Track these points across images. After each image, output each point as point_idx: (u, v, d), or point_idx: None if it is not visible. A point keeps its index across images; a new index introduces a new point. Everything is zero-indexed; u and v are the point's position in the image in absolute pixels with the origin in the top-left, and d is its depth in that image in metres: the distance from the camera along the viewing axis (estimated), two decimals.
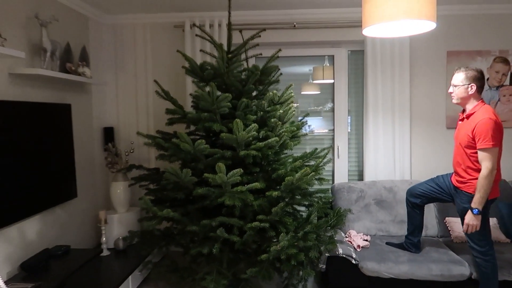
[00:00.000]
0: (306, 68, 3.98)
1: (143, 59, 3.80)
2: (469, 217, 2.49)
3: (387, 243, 3.10)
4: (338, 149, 3.94)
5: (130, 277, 2.92)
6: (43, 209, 2.76)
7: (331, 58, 3.92)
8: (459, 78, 2.55)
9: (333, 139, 3.96)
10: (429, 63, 3.73)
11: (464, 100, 2.57)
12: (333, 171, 3.99)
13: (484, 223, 2.55)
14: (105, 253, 3.24)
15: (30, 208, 2.62)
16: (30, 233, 2.73)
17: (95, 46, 3.67)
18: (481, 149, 2.44)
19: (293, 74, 3.98)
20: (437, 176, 2.88)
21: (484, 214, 2.52)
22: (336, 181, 3.94)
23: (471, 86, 2.51)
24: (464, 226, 2.53)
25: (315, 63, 3.97)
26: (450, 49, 3.71)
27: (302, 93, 4.00)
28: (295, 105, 3.96)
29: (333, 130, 3.94)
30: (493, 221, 3.23)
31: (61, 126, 2.97)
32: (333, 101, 3.93)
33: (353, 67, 3.92)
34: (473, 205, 2.47)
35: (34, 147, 2.65)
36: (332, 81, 3.92)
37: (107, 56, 3.81)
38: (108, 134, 3.75)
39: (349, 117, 3.94)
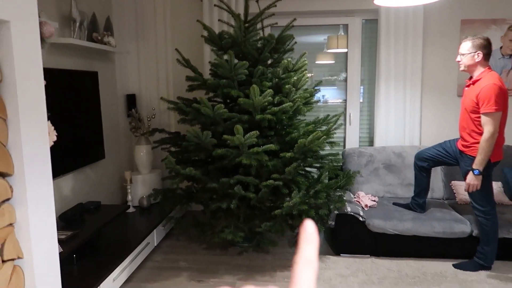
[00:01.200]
0: (321, 38, 4.07)
1: (163, 29, 3.95)
2: (470, 177, 2.66)
3: (394, 204, 3.29)
4: (350, 116, 4.09)
5: (154, 230, 3.21)
6: (75, 168, 3.03)
7: (346, 27, 4.00)
8: (466, 46, 2.65)
9: (345, 107, 4.09)
10: (443, 32, 3.78)
11: (471, 67, 2.67)
12: (344, 138, 4.15)
13: (487, 184, 2.71)
14: (131, 210, 3.53)
15: (64, 166, 2.88)
16: (66, 189, 3.02)
17: (118, 17, 3.84)
18: (484, 113, 2.56)
19: (308, 43, 4.08)
20: (444, 141, 3.03)
21: (486, 175, 2.67)
22: (347, 147, 4.11)
23: (478, 53, 2.61)
24: (465, 185, 2.70)
25: (330, 33, 4.06)
26: (464, 18, 3.74)
27: (316, 62, 4.11)
28: (309, 74, 4.09)
29: (345, 100, 4.07)
30: (497, 184, 3.37)
31: (89, 92, 3.20)
32: (346, 70, 4.04)
33: (367, 37, 4.00)
34: (474, 166, 2.62)
35: (66, 111, 2.89)
36: (346, 50, 4.02)
37: (129, 26, 3.97)
38: (131, 100, 3.97)
39: (361, 86, 4.06)
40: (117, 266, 2.56)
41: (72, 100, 2.95)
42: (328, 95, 4.15)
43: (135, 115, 3.72)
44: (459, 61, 2.71)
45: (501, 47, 3.74)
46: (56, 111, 2.77)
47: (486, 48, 2.61)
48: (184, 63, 3.09)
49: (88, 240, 2.68)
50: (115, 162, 3.82)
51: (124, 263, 2.66)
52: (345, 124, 4.12)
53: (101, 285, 2.36)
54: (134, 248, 2.81)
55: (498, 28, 3.71)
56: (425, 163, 3.08)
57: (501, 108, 2.55)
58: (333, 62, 4.08)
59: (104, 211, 3.12)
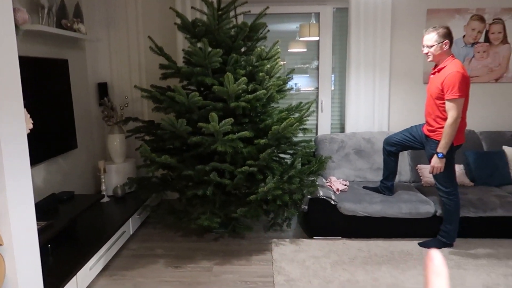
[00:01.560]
0: (293, 26, 4.12)
1: (134, 16, 3.89)
2: (434, 160, 2.80)
3: (364, 187, 3.42)
4: (322, 103, 4.18)
5: (130, 219, 3.21)
6: (47, 158, 2.98)
7: (317, 15, 4.07)
8: (432, 38, 2.74)
9: (317, 95, 4.18)
10: (410, 21, 3.91)
11: (439, 57, 2.78)
12: (317, 124, 4.25)
13: (450, 166, 2.87)
14: (105, 199, 3.52)
15: (36, 156, 2.83)
16: (38, 179, 2.97)
17: (88, 3, 3.74)
18: (448, 100, 2.70)
19: (281, 31, 4.12)
20: (411, 127, 3.16)
21: (449, 158, 2.83)
22: (319, 133, 4.22)
23: (445, 42, 2.73)
24: (430, 168, 2.85)
25: (302, 21, 4.11)
26: (430, 7, 3.88)
27: (289, 50, 4.16)
28: (282, 62, 4.14)
29: (318, 87, 4.15)
30: (460, 167, 3.57)
31: (59, 80, 3.13)
32: (318, 59, 4.12)
33: (339, 25, 4.07)
34: (438, 149, 2.77)
35: (37, 100, 2.83)
36: (317, 38, 4.09)
37: (100, 13, 3.88)
38: (103, 89, 3.91)
39: (333, 74, 4.15)
40: (93, 255, 2.56)
41: (42, 88, 2.89)
42: (301, 83, 4.22)
43: (107, 103, 3.68)
44: (426, 53, 2.80)
45: (464, 36, 3.91)
46: (26, 100, 2.70)
47: (450, 36, 2.73)
48: (157, 51, 3.08)
49: (62, 230, 2.66)
50: (88, 151, 3.77)
51: (100, 252, 2.67)
52: (317, 111, 4.21)
53: (77, 274, 2.36)
54: (110, 237, 2.82)
55: (461, 18, 3.88)
56: (393, 148, 3.21)
57: (464, 95, 2.69)
58: (306, 50, 4.14)
59: (78, 201, 3.09)
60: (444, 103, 2.75)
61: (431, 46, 2.75)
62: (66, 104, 3.23)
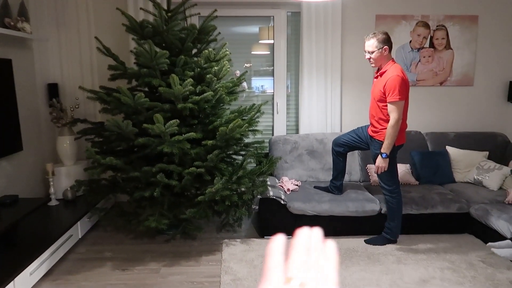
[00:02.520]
0: (256, 28, 4.16)
1: (85, 15, 3.82)
2: (379, 160, 2.91)
3: (315, 187, 3.51)
4: (277, 105, 4.25)
5: (78, 222, 3.15)
6: None
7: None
8: (373, 44, 2.84)
9: (273, 96, 4.25)
10: (360, 25, 4.05)
11: (380, 61, 2.90)
12: (273, 126, 4.31)
13: (392, 165, 2.99)
14: (54, 203, 3.43)
15: None
16: None
17: (35, 2, 3.64)
18: (390, 102, 2.81)
19: (244, 33, 4.14)
20: (357, 128, 3.28)
21: (392, 158, 2.95)
22: (274, 135, 4.28)
23: (385, 48, 2.85)
24: (375, 168, 2.96)
25: (263, 24, 4.15)
26: (378, 13, 4.03)
27: (252, 53, 4.19)
28: (248, 64, 4.17)
29: (273, 87, 4.22)
30: (406, 167, 3.72)
31: (2, 80, 3.03)
32: (273, 60, 4.18)
33: (293, 28, 4.16)
34: (382, 150, 2.88)
35: None
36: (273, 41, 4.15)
37: (48, 12, 3.79)
38: (53, 90, 3.81)
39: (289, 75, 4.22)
40: (33, 260, 2.49)
41: None
42: (267, 85, 4.25)
43: (57, 105, 3.59)
44: (369, 58, 2.90)
45: (410, 41, 4.08)
46: None
47: (389, 41, 2.85)
48: (104, 52, 3.04)
49: (1, 234, 2.58)
50: (36, 153, 3.66)
51: (43, 257, 2.60)
52: (273, 113, 4.27)
53: (15, 279, 2.29)
54: (54, 241, 2.75)
55: (407, 24, 4.05)
56: (341, 148, 3.31)
57: (404, 97, 2.81)
58: (269, 52, 4.18)
59: (22, 204, 3.00)
60: (386, 106, 2.87)
61: (372, 52, 2.86)
62: (9, 105, 3.13)
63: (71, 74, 3.93)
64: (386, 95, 2.82)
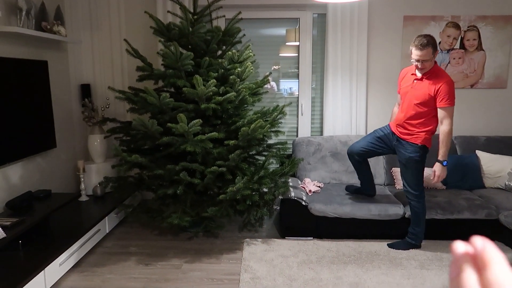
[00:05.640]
0: (283, 31, 4.18)
1: (117, 18, 3.98)
2: (440, 169, 2.81)
3: (347, 187, 3.42)
4: (302, 107, 4.25)
5: (106, 218, 3.28)
6: (24, 156, 3.05)
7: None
8: (427, 53, 2.67)
9: (298, 98, 4.25)
10: (387, 26, 3.99)
11: (430, 66, 2.76)
12: (297, 128, 4.32)
13: (422, 169, 2.91)
14: (84, 198, 3.58)
15: (11, 154, 2.90)
16: (14, 177, 3.04)
17: (71, 6, 3.83)
18: (443, 107, 2.71)
19: (272, 36, 4.15)
20: (375, 131, 3.14)
21: (422, 162, 2.88)
22: (298, 136, 4.28)
23: (436, 52, 2.75)
24: (435, 177, 2.83)
25: (291, 26, 4.16)
26: (406, 14, 3.96)
27: (280, 55, 4.21)
28: (276, 67, 4.20)
29: (298, 89, 4.22)
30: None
31: (38, 81, 3.21)
32: (298, 63, 4.19)
33: (320, 30, 4.15)
34: (440, 158, 2.79)
35: (14, 100, 2.90)
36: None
37: (83, 15, 3.97)
38: (85, 90, 3.98)
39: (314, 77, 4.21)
40: (63, 251, 2.62)
41: (19, 88, 2.97)
42: (295, 87, 4.26)
43: (88, 104, 3.75)
44: (421, 67, 2.72)
45: (439, 42, 3.98)
46: (2, 99, 2.78)
47: (437, 45, 2.77)
48: (133, 53, 3.15)
49: (35, 226, 2.73)
50: (68, 151, 3.84)
51: (72, 249, 2.73)
52: (297, 115, 4.28)
53: (45, 269, 2.42)
54: (83, 234, 2.88)
55: (436, 25, 3.95)
56: (361, 158, 3.16)
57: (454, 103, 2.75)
58: (296, 55, 4.18)
59: (54, 199, 3.16)
60: (430, 109, 2.76)
61: (427, 61, 2.71)
62: (44, 104, 3.30)
63: (103, 75, 4.09)
64: (439, 99, 2.71)
